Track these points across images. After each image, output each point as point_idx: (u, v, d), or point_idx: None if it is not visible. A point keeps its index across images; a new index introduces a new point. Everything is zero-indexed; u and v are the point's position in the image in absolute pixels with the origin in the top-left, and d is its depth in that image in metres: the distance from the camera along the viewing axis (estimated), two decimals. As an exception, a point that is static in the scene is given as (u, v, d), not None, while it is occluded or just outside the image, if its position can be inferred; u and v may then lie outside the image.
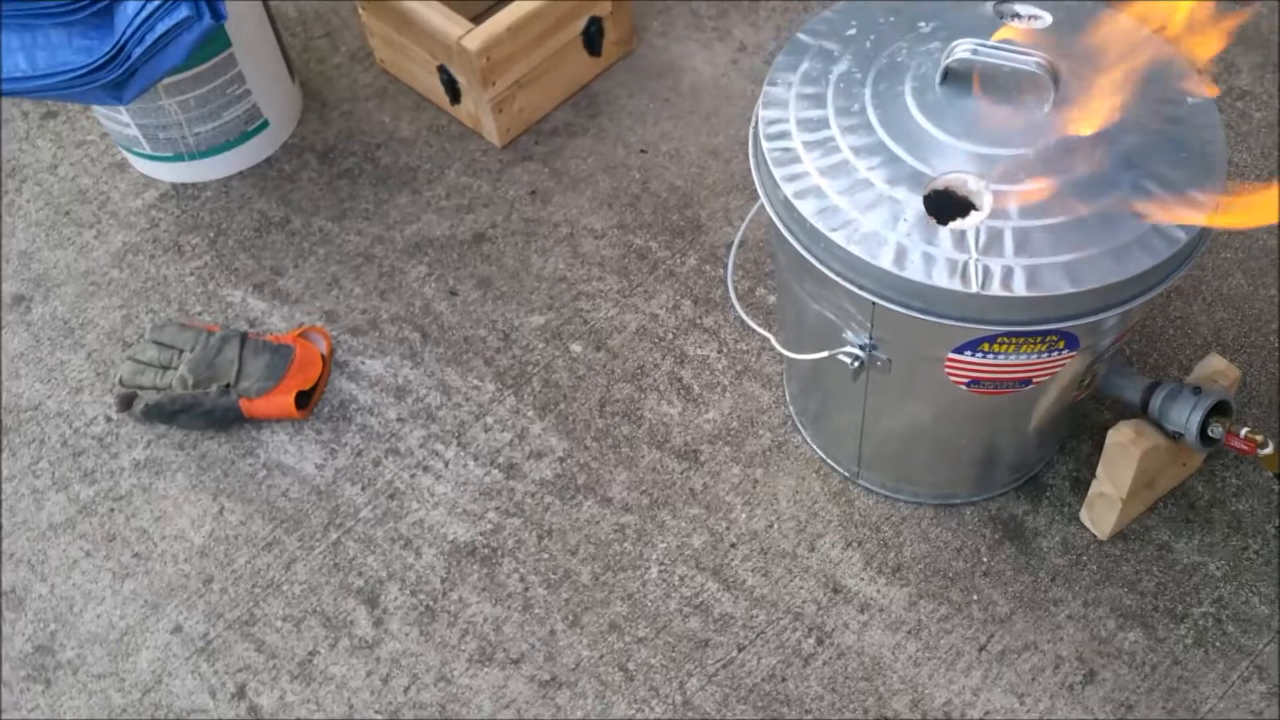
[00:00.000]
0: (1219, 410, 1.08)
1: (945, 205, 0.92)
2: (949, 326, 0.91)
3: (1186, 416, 1.07)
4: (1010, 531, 1.23)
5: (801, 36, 1.05)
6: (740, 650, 1.17)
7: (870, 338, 1.01)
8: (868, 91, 0.98)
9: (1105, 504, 1.17)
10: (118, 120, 1.49)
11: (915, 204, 0.91)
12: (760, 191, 1.00)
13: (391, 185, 1.57)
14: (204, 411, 1.32)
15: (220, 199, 1.58)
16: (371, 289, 1.47)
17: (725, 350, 1.39)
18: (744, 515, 1.26)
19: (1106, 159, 0.92)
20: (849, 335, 1.02)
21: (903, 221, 0.90)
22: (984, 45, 0.93)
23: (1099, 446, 1.14)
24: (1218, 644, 1.15)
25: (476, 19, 1.50)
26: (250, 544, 1.27)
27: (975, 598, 1.19)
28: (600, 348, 1.41)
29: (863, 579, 1.21)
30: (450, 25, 1.49)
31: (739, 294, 1.43)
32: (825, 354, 1.04)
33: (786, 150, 0.97)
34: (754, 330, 1.33)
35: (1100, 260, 0.88)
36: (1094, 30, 1.00)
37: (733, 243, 1.24)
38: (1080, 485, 1.23)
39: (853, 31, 1.04)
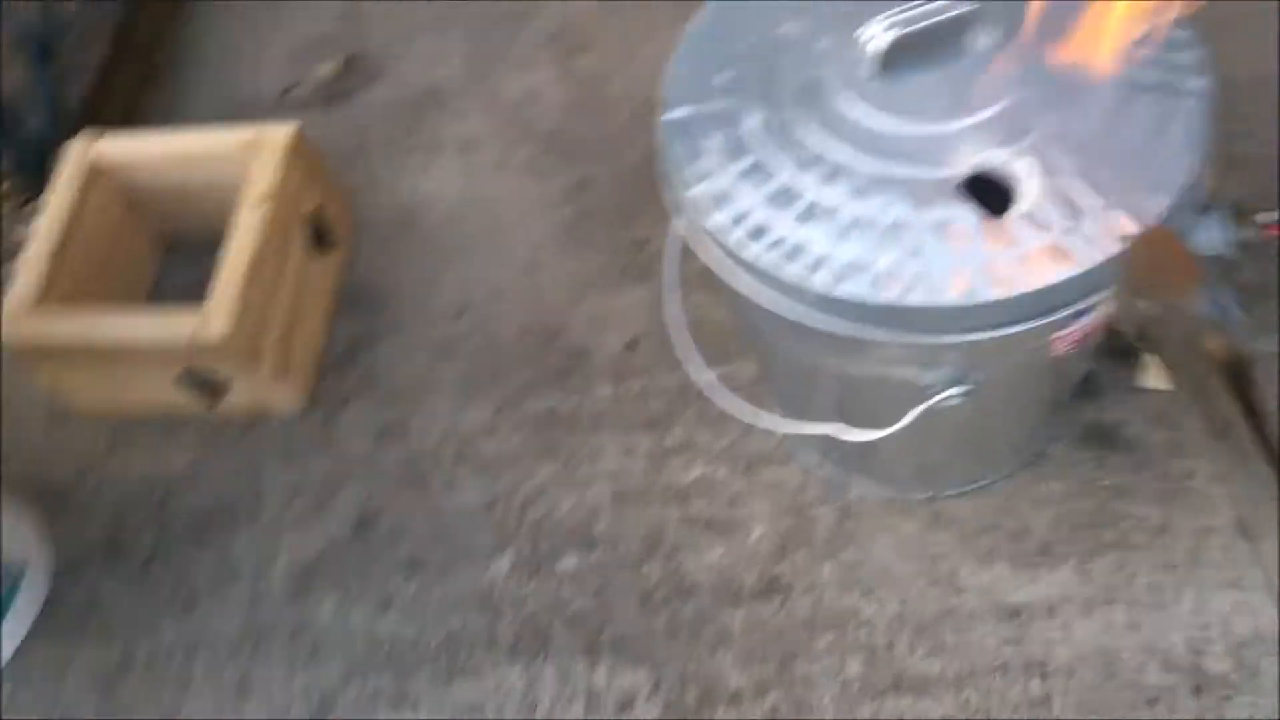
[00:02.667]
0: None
1: (980, 195, 0.76)
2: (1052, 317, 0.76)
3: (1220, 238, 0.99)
4: (1101, 441, 1.12)
5: (675, 116, 0.84)
6: (984, 743, 1.00)
7: (961, 370, 0.84)
8: (808, 128, 0.80)
9: (1175, 357, 1.08)
10: None
11: (957, 213, 0.74)
12: (769, 306, 0.79)
13: (221, 535, 1.23)
14: None
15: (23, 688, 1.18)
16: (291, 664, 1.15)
17: (715, 456, 1.19)
18: (873, 606, 1.08)
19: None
20: (929, 377, 0.85)
21: (961, 239, 0.73)
22: (898, 15, 0.77)
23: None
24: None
25: (183, 291, 1.18)
26: None
27: (1126, 523, 1.08)
28: (592, 547, 1.17)
29: (1027, 585, 1.06)
30: (176, 324, 1.16)
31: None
32: (917, 412, 0.86)
33: (777, 243, 0.77)
34: (748, 423, 1.15)
35: (1164, 149, 0.75)
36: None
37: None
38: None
39: (723, 78, 0.85)
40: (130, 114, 1.55)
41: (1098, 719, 0.99)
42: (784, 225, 0.77)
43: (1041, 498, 1.11)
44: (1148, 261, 0.59)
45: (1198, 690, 0.98)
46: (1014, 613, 1.05)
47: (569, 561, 1.16)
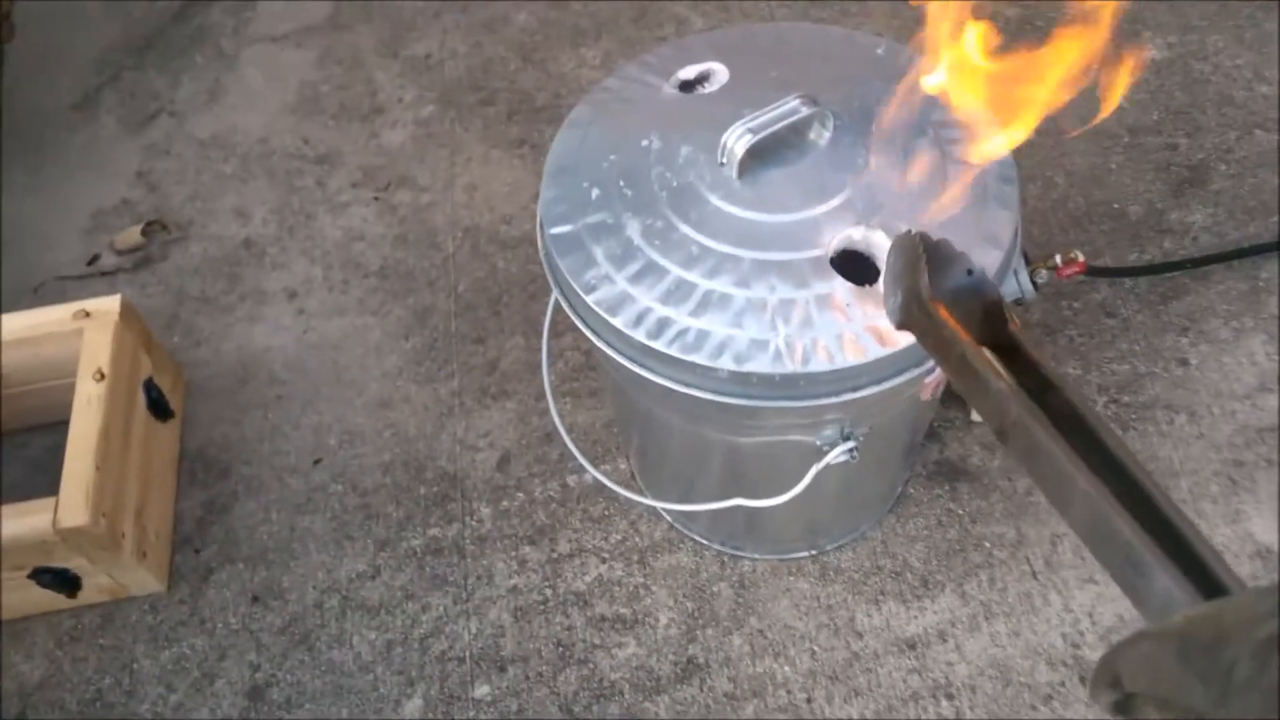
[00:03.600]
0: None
1: (848, 269, 0.86)
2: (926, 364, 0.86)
3: (1017, 283, 1.14)
4: (951, 475, 1.24)
5: (559, 231, 0.90)
6: (913, 773, 1.07)
7: (849, 426, 0.92)
8: (685, 229, 0.87)
9: (997, 392, 1.22)
10: None
11: (834, 286, 0.84)
12: (683, 391, 0.85)
13: (102, 735, 1.14)
14: None
15: None
16: None
17: (608, 555, 1.22)
18: (785, 667, 1.13)
19: (912, 135, 0.91)
20: (823, 438, 0.93)
21: (841, 309, 0.82)
22: (752, 121, 0.87)
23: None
24: (1131, 419, 1.27)
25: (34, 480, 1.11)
26: None
27: (987, 543, 1.19)
28: (503, 669, 1.16)
29: (916, 617, 1.15)
30: (28, 521, 1.08)
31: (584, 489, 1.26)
32: (814, 470, 0.94)
33: (680, 334, 0.83)
34: (641, 513, 1.20)
35: (986, 211, 0.87)
36: (778, 49, 0.98)
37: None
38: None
39: (597, 193, 0.91)
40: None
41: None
42: (684, 317, 0.83)
43: (911, 535, 1.21)
44: (897, 262, 0.68)
45: (1084, 679, 1.09)
46: (911, 644, 1.14)
47: (482, 689, 1.15)
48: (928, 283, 0.64)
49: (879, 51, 0.99)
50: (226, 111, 1.73)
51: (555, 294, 0.91)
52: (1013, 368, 0.59)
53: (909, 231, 0.67)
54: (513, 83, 1.72)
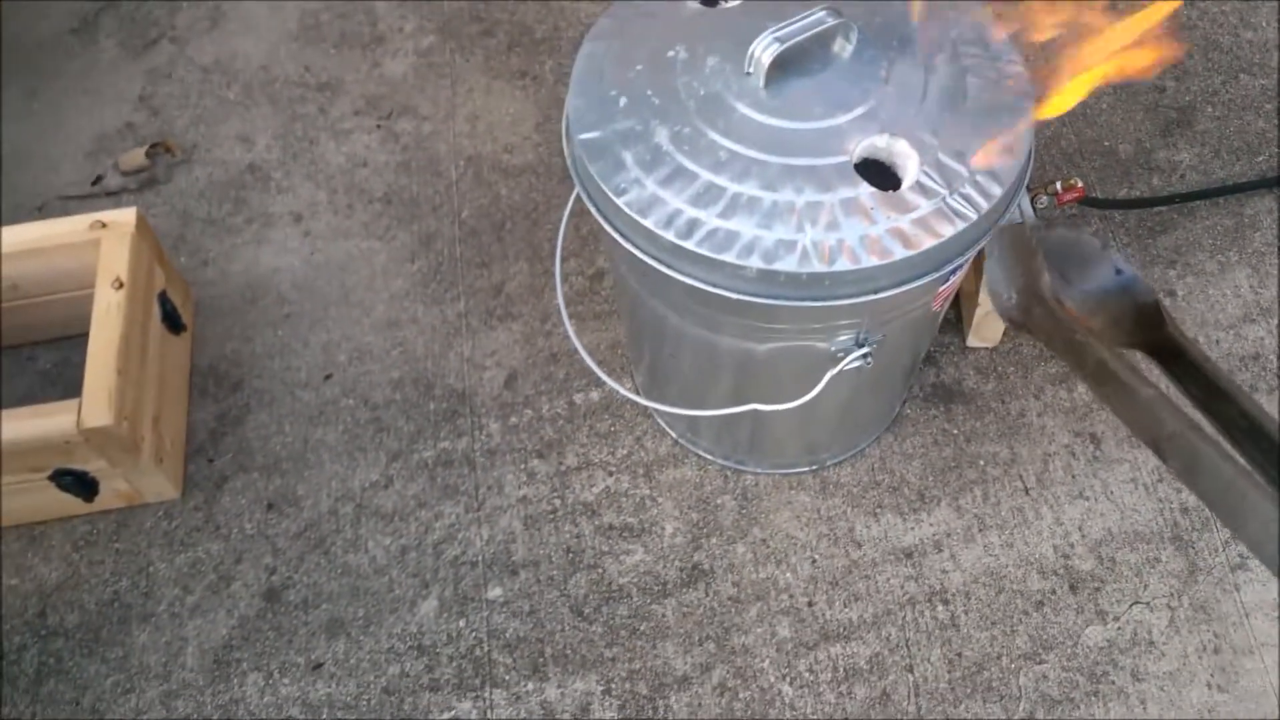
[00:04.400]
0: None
1: (871, 175, 0.89)
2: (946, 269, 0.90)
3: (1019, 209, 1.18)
4: (946, 397, 1.29)
5: (588, 137, 0.92)
6: (909, 670, 1.12)
7: (864, 333, 0.96)
8: (713, 136, 0.90)
9: (993, 318, 1.26)
10: None
11: (859, 191, 0.87)
12: (710, 290, 0.88)
13: (117, 637, 1.17)
14: None
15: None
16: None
17: (615, 469, 1.26)
18: (787, 574, 1.18)
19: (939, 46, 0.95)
20: (838, 344, 0.97)
21: (865, 213, 0.86)
22: (779, 30, 0.90)
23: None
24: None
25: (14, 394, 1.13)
26: None
27: (981, 461, 1.24)
28: (514, 573, 1.20)
29: (913, 528, 1.20)
30: (54, 421, 1.10)
31: (596, 402, 1.30)
32: (829, 375, 0.98)
33: (710, 234, 0.86)
34: (662, 422, 1.24)
35: (1003, 124, 0.91)
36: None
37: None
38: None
39: (625, 101, 0.94)
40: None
41: (998, 628, 1.13)
42: (713, 219, 0.86)
43: (908, 453, 1.25)
44: (1008, 256, 0.65)
45: (1073, 588, 1.15)
46: (908, 554, 1.19)
47: (495, 591, 1.19)
48: (1050, 282, 0.60)
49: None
50: (227, 38, 1.73)
51: (583, 199, 0.94)
52: (1174, 373, 0.54)
53: (1021, 224, 0.63)
54: (513, 14, 1.73)
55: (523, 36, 1.70)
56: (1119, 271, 0.60)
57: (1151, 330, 0.56)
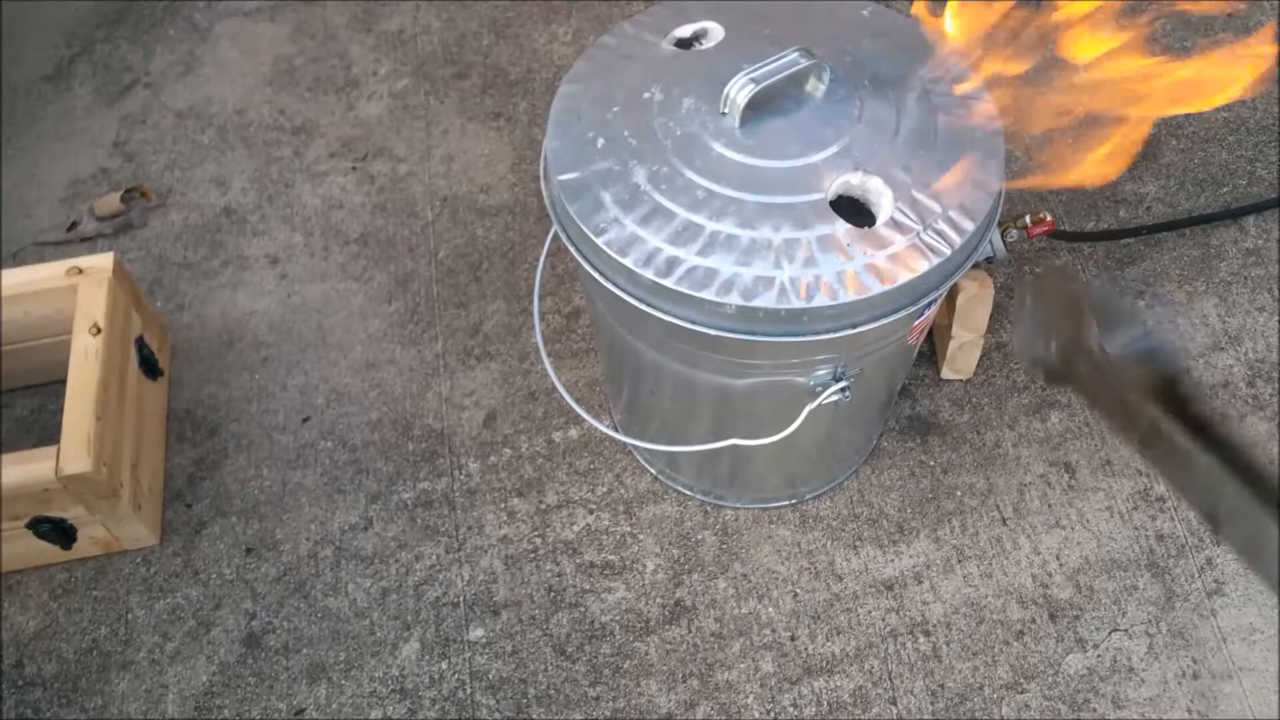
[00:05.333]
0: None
1: (847, 212, 0.91)
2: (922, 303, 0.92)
3: (990, 243, 1.20)
4: (922, 429, 1.30)
5: (567, 178, 0.94)
6: (893, 703, 1.12)
7: (842, 367, 0.98)
8: (690, 175, 0.92)
9: (967, 350, 1.29)
10: None
11: (835, 227, 0.89)
12: (688, 327, 0.89)
13: (95, 686, 1.15)
14: None
15: None
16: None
17: (595, 506, 1.26)
18: (769, 608, 1.19)
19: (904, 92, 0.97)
20: (816, 378, 0.99)
21: (842, 249, 0.88)
22: (754, 71, 0.92)
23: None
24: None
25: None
26: None
27: (959, 492, 1.26)
28: (496, 613, 1.20)
29: (893, 560, 1.21)
30: (31, 468, 1.09)
31: (575, 439, 1.30)
32: (809, 409, 0.99)
33: (690, 271, 0.87)
34: (641, 461, 1.24)
35: (974, 162, 0.93)
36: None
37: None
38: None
39: (602, 142, 0.95)
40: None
41: (980, 658, 1.14)
42: (692, 256, 0.88)
43: (885, 485, 1.27)
44: (1048, 304, 0.60)
45: (1052, 616, 1.16)
46: (889, 586, 1.19)
47: (477, 632, 1.18)
48: (1098, 335, 0.54)
49: (865, 13, 1.05)
50: (202, 83, 1.74)
51: (562, 238, 0.95)
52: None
53: (1062, 269, 0.57)
54: (486, 57, 1.75)
55: (496, 78, 1.72)
56: (1145, 334, 0.55)
57: (1176, 405, 0.51)
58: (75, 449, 1.08)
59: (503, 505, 1.27)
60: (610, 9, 1.80)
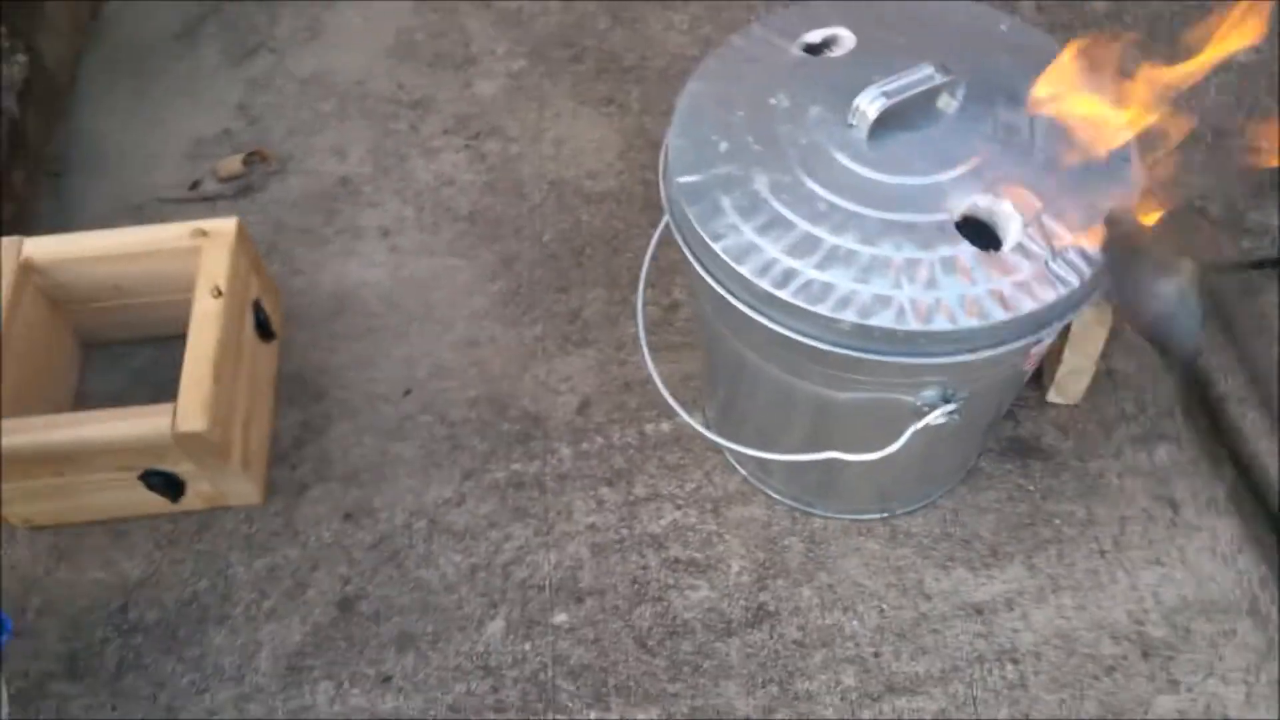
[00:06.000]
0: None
1: (971, 234, 0.89)
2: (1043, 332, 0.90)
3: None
4: (1023, 452, 1.28)
5: (687, 180, 0.94)
6: (974, 729, 1.11)
7: (951, 389, 0.96)
8: (813, 186, 0.91)
9: (1077, 376, 1.26)
10: None
11: (959, 250, 0.87)
12: (804, 341, 0.89)
13: (194, 636, 1.19)
14: None
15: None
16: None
17: (683, 502, 1.27)
18: (853, 621, 1.18)
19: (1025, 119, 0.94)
20: (923, 398, 0.97)
21: (965, 272, 0.86)
22: (886, 85, 0.90)
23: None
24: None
25: (107, 394, 1.16)
26: None
27: (1057, 520, 1.23)
28: (581, 600, 1.21)
29: (984, 584, 1.19)
30: (149, 423, 1.13)
31: (663, 435, 1.31)
32: (913, 429, 0.98)
33: (805, 285, 0.87)
34: (739, 459, 1.24)
35: (1104, 189, 0.91)
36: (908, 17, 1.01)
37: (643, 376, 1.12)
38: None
39: (725, 146, 0.95)
40: (23, 217, 1.49)
41: (1067, 691, 1.12)
42: (809, 270, 0.87)
43: (982, 506, 1.25)
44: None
45: (1145, 655, 1.13)
46: (978, 610, 1.18)
47: (561, 616, 1.20)
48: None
49: (1003, 28, 1.02)
50: (325, 50, 1.77)
51: (678, 241, 0.95)
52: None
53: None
54: (601, 41, 1.76)
55: (610, 64, 1.72)
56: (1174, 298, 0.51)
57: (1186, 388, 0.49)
58: (192, 409, 1.12)
59: (592, 493, 1.28)
60: (730, -1, 1.78)
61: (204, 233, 1.25)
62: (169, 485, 1.19)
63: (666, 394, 1.12)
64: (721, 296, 0.92)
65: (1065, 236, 0.86)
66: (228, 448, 1.17)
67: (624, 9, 1.79)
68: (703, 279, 0.93)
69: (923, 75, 0.90)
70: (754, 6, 1.78)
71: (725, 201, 0.91)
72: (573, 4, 1.81)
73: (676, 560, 1.23)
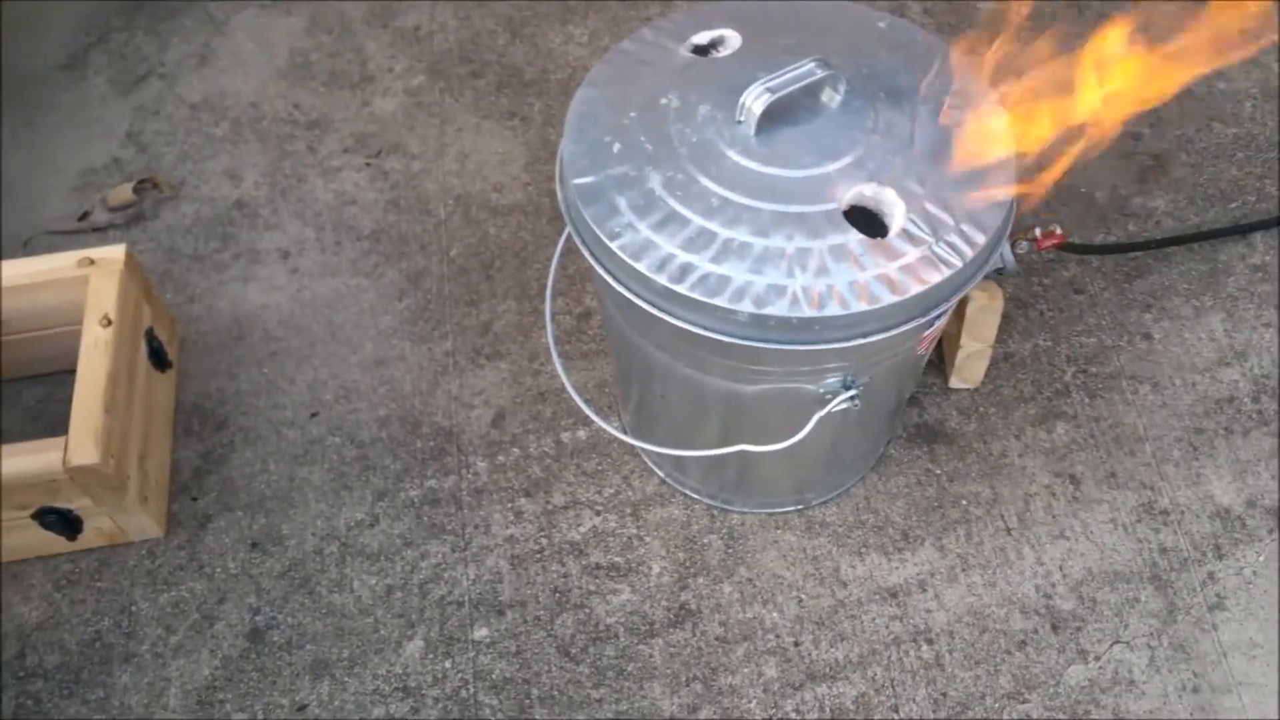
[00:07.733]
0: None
1: (859, 222, 0.91)
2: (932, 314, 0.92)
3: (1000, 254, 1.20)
4: (929, 438, 1.31)
5: (583, 182, 0.94)
6: (895, 710, 1.13)
7: (851, 375, 0.98)
8: (705, 183, 0.92)
9: (975, 360, 1.29)
10: None
11: (847, 238, 0.89)
12: (700, 333, 0.90)
13: (97, 678, 1.15)
14: None
15: None
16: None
17: (602, 508, 1.27)
18: (773, 613, 1.19)
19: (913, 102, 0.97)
20: (825, 386, 0.99)
21: (854, 259, 0.88)
22: (771, 81, 0.92)
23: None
24: (1099, 388, 1.35)
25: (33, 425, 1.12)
26: None
27: (964, 501, 1.26)
28: (501, 613, 1.20)
29: (898, 568, 1.21)
30: (40, 458, 1.10)
31: (581, 442, 1.30)
32: (818, 416, 0.99)
33: (702, 279, 0.88)
34: (650, 463, 1.24)
35: (984, 176, 0.93)
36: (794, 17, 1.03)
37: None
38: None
39: (618, 147, 0.96)
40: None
41: (982, 667, 1.14)
42: (705, 263, 0.88)
43: (891, 492, 1.27)
44: None
45: (1055, 628, 1.16)
46: (893, 593, 1.20)
47: (481, 631, 1.19)
48: None
49: (881, 25, 1.05)
50: (216, 75, 1.74)
51: (576, 242, 0.95)
52: None
53: None
54: (501, 56, 1.76)
55: (511, 78, 1.72)
56: None
57: None
58: (83, 441, 1.09)
59: (510, 505, 1.27)
60: (626, 10, 1.80)
61: (91, 261, 1.22)
62: (65, 523, 1.15)
63: (579, 400, 1.12)
64: (623, 295, 0.92)
65: (947, 220, 0.89)
66: (124, 480, 1.13)
67: (522, 25, 1.80)
68: (604, 279, 0.93)
69: (804, 70, 0.91)
70: (652, 19, 1.79)
71: (621, 201, 0.92)
72: (470, 21, 1.81)
73: (597, 566, 1.23)
